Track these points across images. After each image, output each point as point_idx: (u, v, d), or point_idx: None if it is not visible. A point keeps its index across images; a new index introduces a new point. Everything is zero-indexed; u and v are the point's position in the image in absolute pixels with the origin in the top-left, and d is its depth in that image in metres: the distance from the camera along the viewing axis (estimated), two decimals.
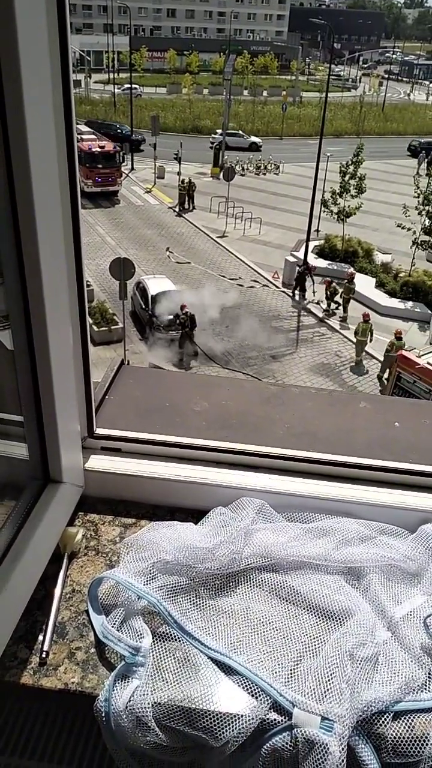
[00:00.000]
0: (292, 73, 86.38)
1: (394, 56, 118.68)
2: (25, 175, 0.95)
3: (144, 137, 42.33)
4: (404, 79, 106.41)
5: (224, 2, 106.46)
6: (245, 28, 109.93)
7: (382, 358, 18.73)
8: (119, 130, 43.20)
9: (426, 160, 41.49)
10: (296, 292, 24.01)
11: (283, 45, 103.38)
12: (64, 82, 1.04)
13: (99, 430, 1.43)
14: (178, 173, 35.04)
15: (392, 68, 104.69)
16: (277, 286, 25.04)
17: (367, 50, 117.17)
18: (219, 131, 46.52)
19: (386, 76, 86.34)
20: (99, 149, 33.11)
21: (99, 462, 1.39)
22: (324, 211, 27.27)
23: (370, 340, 19.41)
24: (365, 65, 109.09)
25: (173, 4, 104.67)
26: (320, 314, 23.06)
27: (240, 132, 49.15)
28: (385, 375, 18.11)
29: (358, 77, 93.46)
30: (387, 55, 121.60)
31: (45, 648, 1.09)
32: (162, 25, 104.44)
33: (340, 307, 22.76)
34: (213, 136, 46.94)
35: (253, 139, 48.32)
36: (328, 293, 22.87)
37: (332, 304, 22.93)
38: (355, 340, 20.03)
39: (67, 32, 1.02)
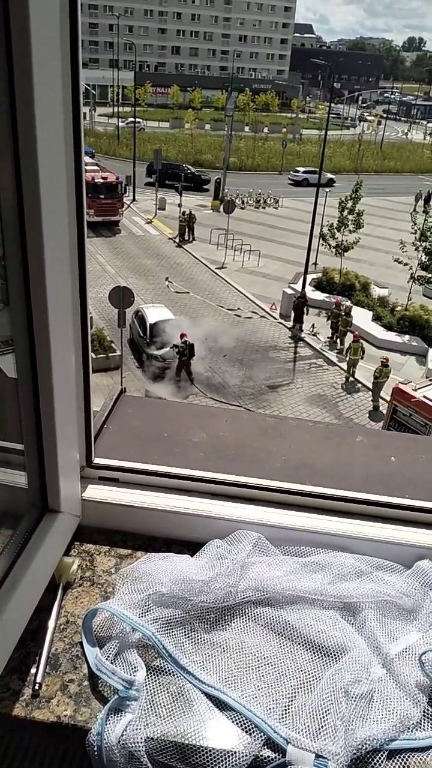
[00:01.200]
0: (293, 110, 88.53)
1: (392, 96, 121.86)
2: (35, 203, 0.98)
3: (209, 177, 44.34)
4: (402, 118, 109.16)
5: (227, 41, 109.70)
6: (247, 67, 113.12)
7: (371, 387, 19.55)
8: (188, 170, 45.23)
9: (423, 197, 42.46)
10: (295, 323, 24.26)
11: (284, 83, 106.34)
12: (75, 115, 1.07)
13: (97, 460, 1.44)
14: (179, 205, 35.60)
15: (390, 108, 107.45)
16: (274, 317, 25.26)
17: (367, 90, 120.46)
18: (301, 168, 50.10)
19: (385, 115, 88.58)
20: (102, 180, 33.69)
21: (97, 492, 1.40)
22: (322, 245, 27.70)
23: (361, 358, 20.50)
24: (364, 104, 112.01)
25: (178, 42, 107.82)
26: (318, 345, 23.27)
27: (317, 170, 51.22)
28: (381, 405, 18.61)
29: (357, 116, 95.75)
30: (386, 95, 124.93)
31: (38, 680, 1.08)
32: (166, 62, 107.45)
33: (335, 336, 23.17)
34: (293, 173, 49.77)
35: (329, 175, 49.79)
36: (331, 321, 23.26)
37: (334, 333, 23.28)
38: (347, 359, 21.16)
39: (78, 67, 1.05)
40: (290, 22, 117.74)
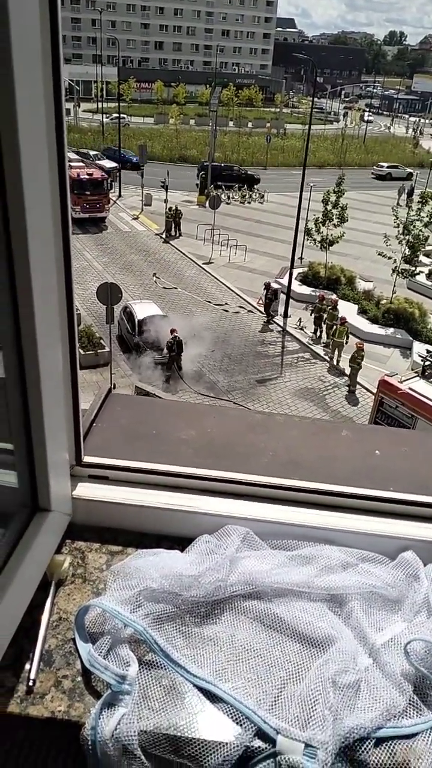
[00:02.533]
0: (276, 105, 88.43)
1: (374, 90, 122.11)
2: (19, 201, 0.98)
3: (260, 177, 46.27)
4: (384, 112, 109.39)
5: (210, 36, 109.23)
6: (231, 62, 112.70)
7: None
8: (241, 171, 47.01)
9: (406, 191, 42.68)
10: (268, 317, 24.47)
11: (268, 78, 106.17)
12: (57, 111, 1.07)
13: (87, 458, 1.45)
14: (165, 201, 35.49)
15: (373, 102, 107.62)
16: (261, 312, 25.31)
17: (349, 84, 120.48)
18: (384, 164, 54.70)
19: (367, 109, 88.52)
20: (87, 176, 33.52)
21: (86, 490, 1.41)
22: (308, 239, 27.76)
23: (346, 342, 21.36)
24: (347, 99, 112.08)
25: (161, 37, 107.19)
26: (305, 339, 23.41)
27: (398, 165, 56.10)
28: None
29: (340, 110, 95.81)
30: (368, 89, 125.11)
31: (32, 676, 1.09)
32: (150, 57, 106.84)
33: (319, 330, 23.41)
34: (376, 167, 53.53)
35: (408, 170, 54.04)
36: (315, 316, 23.50)
37: (317, 328, 23.49)
38: (331, 341, 22.16)
39: (60, 62, 1.04)
40: (272, 17, 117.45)
